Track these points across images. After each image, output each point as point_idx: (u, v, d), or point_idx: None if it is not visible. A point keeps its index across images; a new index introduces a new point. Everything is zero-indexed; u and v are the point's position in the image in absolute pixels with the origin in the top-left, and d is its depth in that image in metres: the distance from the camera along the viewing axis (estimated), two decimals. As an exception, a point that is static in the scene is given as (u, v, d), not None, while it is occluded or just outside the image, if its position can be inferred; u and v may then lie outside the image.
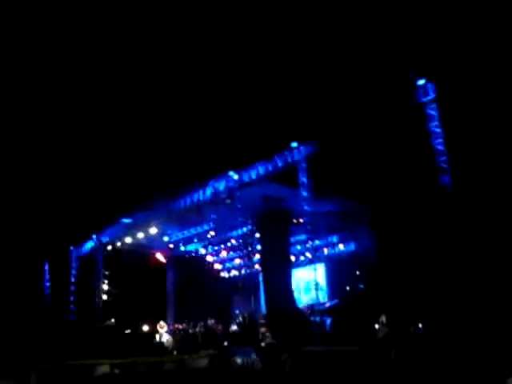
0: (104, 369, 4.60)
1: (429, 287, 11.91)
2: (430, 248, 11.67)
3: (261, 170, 15.42)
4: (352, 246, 17.30)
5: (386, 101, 11.66)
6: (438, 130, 11.00)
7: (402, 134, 11.58)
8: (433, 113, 10.98)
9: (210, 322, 19.06)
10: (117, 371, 4.70)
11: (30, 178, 21.34)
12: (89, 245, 21.67)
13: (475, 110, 10.90)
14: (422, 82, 11.02)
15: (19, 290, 20.15)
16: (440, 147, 10.97)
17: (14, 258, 20.77)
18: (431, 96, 10.83)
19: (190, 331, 18.58)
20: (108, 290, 22.27)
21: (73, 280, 22.45)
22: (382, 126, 11.86)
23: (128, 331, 20.21)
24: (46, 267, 23.11)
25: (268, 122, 18.66)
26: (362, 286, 16.26)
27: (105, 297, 21.87)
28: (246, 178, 15.83)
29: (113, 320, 21.39)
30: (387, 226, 13.78)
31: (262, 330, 16.59)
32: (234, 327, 18.13)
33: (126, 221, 18.94)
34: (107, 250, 20.81)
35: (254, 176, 15.61)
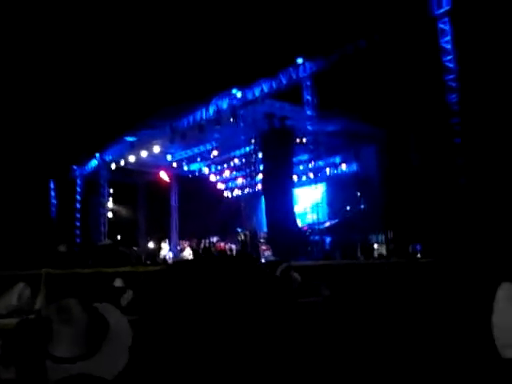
0: (117, 283, 4.68)
1: (430, 208, 12.06)
2: (435, 168, 11.68)
3: (265, 87, 15.16)
4: (354, 167, 17.35)
5: (397, 13, 11.15)
6: (448, 46, 10.60)
7: (411, 49, 11.19)
8: (445, 27, 10.52)
9: (214, 239, 19.62)
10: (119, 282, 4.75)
11: (33, 97, 21.01)
12: (92, 164, 21.79)
13: (490, 27, 10.43)
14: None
15: (27, 207, 20.53)
16: (449, 64, 10.64)
17: (19, 176, 20.96)
18: (445, 8, 10.31)
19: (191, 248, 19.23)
20: (112, 207, 22.75)
21: (78, 198, 22.82)
22: (391, 40, 11.44)
23: (135, 248, 20.91)
24: (52, 186, 23.40)
25: (272, 36, 17.99)
26: (362, 207, 16.50)
27: (110, 214, 22.37)
28: (249, 96, 15.60)
29: (118, 237, 22.05)
30: (392, 145, 13.70)
31: (263, 247, 17.12)
32: (233, 246, 18.70)
33: (130, 139, 18.88)
34: (111, 169, 20.96)
35: (257, 94, 15.36)
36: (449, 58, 10.54)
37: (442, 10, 10.37)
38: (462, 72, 10.46)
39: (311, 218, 17.99)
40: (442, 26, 10.50)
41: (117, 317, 1.56)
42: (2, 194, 19.96)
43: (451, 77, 10.56)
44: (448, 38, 10.52)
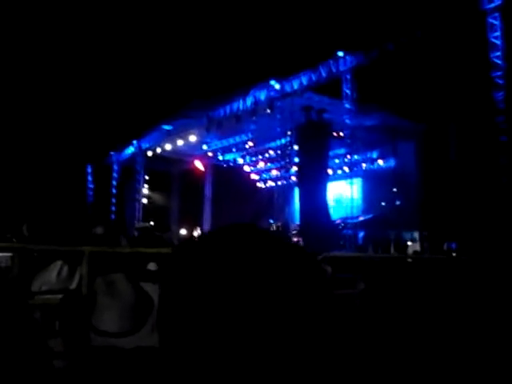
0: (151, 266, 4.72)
1: (468, 207, 11.81)
2: (475, 166, 11.41)
3: (304, 79, 15.05)
4: (391, 163, 17.06)
5: (444, 6, 10.85)
6: (497, 41, 10.27)
7: (457, 44, 10.91)
8: (495, 22, 10.19)
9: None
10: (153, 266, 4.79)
11: (76, 85, 21.51)
12: (129, 150, 22.17)
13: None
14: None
15: (65, 190, 21.08)
16: (497, 60, 10.31)
17: (59, 159, 21.53)
18: (496, 3, 9.98)
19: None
20: (147, 194, 23.12)
21: (114, 183, 23.27)
22: (437, 34, 11.14)
23: (167, 233, 21.17)
24: (89, 170, 23.93)
25: (313, 28, 17.81)
26: (398, 203, 16.26)
27: (144, 200, 22.76)
28: (287, 88, 15.53)
29: (151, 222, 22.38)
30: (431, 142, 13.43)
31: (295, 239, 17.10)
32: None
33: (166, 127, 19.11)
34: (147, 156, 21.28)
35: (296, 86, 15.28)
36: (497, 54, 10.21)
37: (493, 5, 10.03)
38: (511, 69, 10.13)
39: (345, 212, 17.84)
40: (492, 20, 10.17)
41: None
42: (42, 177, 20.56)
43: (499, 74, 10.23)
44: (498, 33, 10.18)
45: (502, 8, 9.91)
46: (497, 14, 10.10)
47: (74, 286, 3.27)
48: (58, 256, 3.43)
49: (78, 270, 3.39)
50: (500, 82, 10.23)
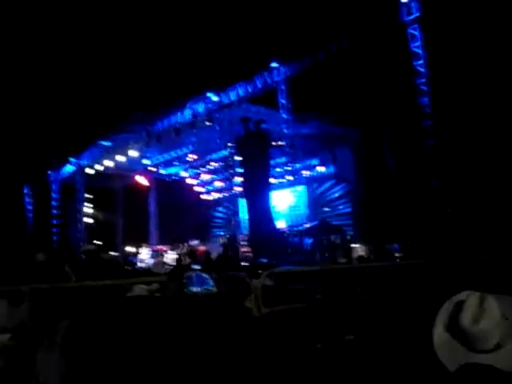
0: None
1: (404, 208, 12.20)
2: (408, 169, 11.83)
3: (240, 91, 15.19)
4: (331, 169, 17.43)
5: (369, 18, 11.26)
6: (419, 50, 10.75)
7: (383, 54, 11.31)
8: (415, 33, 10.67)
9: (193, 242, 19.49)
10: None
11: (7, 102, 20.64)
12: (68, 168, 21.45)
13: (459, 33, 10.60)
14: (406, -1, 10.58)
15: (1, 214, 20.11)
16: (420, 68, 10.78)
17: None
18: (415, 15, 10.46)
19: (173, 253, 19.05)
20: (90, 213, 22.41)
21: (54, 204, 22.42)
22: (364, 45, 11.53)
23: (113, 253, 20.62)
24: (27, 191, 22.94)
25: (247, 41, 17.97)
26: (340, 208, 16.61)
27: (87, 220, 22.05)
28: (225, 100, 15.60)
29: (96, 242, 21.72)
30: (367, 147, 13.80)
31: (244, 250, 17.11)
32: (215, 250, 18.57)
33: (105, 143, 18.64)
34: (88, 174, 20.65)
35: (233, 97, 15.38)
36: (420, 62, 10.69)
37: (411, 17, 10.51)
38: (433, 76, 10.61)
39: (290, 220, 18.04)
40: (412, 31, 10.64)
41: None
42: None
43: (422, 80, 10.71)
44: (418, 43, 10.66)
45: (421, 19, 10.41)
46: (416, 26, 10.59)
47: (15, 323, 3.11)
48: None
49: (19, 306, 3.25)
50: (424, 88, 10.70)
